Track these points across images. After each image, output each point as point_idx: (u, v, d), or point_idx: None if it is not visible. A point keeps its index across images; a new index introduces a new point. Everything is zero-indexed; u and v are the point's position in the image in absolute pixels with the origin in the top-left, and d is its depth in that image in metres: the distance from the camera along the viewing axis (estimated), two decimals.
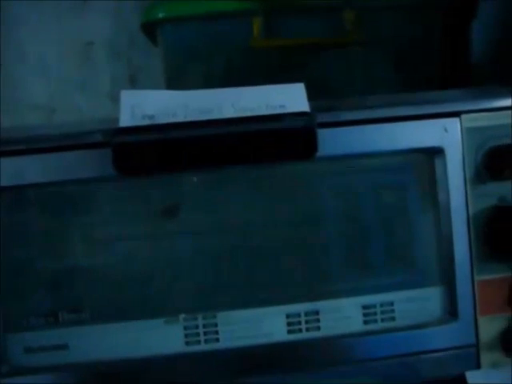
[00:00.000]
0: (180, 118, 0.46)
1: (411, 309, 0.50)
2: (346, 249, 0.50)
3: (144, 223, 0.49)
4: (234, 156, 0.45)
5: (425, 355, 0.50)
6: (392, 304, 0.50)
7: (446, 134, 0.49)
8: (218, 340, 0.49)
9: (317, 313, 0.49)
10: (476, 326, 0.50)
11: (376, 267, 0.50)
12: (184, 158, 0.45)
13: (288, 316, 0.49)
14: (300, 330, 0.49)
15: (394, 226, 0.50)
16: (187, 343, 0.48)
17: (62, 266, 0.48)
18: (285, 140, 0.45)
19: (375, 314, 0.50)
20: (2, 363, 0.46)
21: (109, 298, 0.48)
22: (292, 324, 0.49)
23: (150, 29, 0.88)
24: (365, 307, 0.50)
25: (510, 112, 0.50)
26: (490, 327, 0.50)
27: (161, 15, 0.78)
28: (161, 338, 0.48)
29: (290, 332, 0.49)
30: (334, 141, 0.48)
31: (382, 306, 0.50)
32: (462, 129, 0.49)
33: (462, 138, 0.49)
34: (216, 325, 0.48)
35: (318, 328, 0.49)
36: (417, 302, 0.50)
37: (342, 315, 0.49)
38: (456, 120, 0.49)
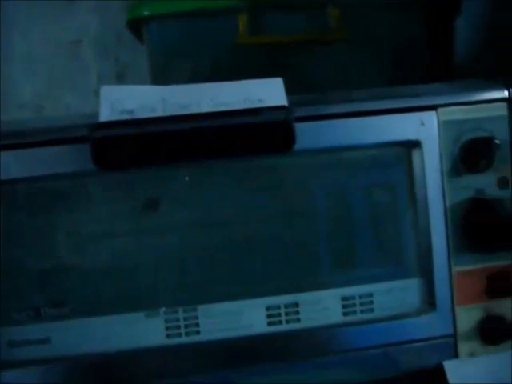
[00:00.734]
0: (159, 113, 0.47)
1: (390, 300, 0.51)
2: (326, 241, 0.50)
3: (125, 219, 0.49)
4: (211, 150, 0.45)
5: (404, 346, 0.50)
6: (371, 295, 0.50)
7: (422, 127, 0.49)
8: (198, 332, 0.49)
9: (296, 305, 0.50)
10: (454, 317, 0.51)
11: (355, 259, 0.51)
12: (163, 152, 0.45)
13: (268, 308, 0.49)
14: (280, 322, 0.50)
15: (373, 218, 0.51)
16: (168, 336, 0.49)
17: (44, 261, 0.48)
18: (262, 133, 0.45)
19: (354, 305, 0.50)
20: None
21: (90, 293, 0.48)
22: (272, 316, 0.50)
23: (136, 26, 0.88)
24: (344, 299, 0.50)
25: (485, 105, 0.51)
26: (467, 317, 0.51)
27: (146, 13, 0.78)
28: (142, 331, 0.48)
29: (270, 324, 0.50)
30: (312, 134, 0.48)
31: (361, 297, 0.50)
32: (438, 122, 0.50)
33: (439, 131, 0.50)
34: (196, 317, 0.49)
35: (298, 320, 0.50)
36: (395, 294, 0.51)
37: (322, 307, 0.50)
38: (433, 113, 0.50)
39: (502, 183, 0.51)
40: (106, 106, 0.47)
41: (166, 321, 0.49)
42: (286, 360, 0.50)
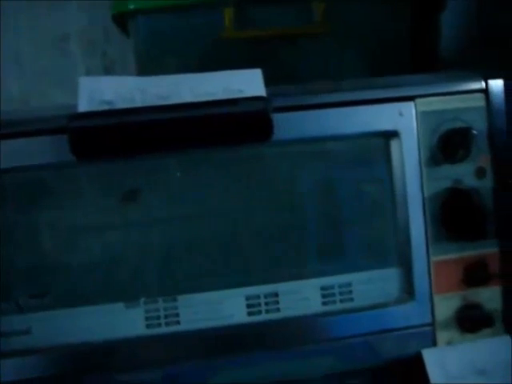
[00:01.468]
0: (138, 104, 0.47)
1: (369, 289, 0.51)
2: (305, 232, 0.51)
3: (105, 210, 0.49)
4: (190, 139, 0.46)
5: (383, 334, 0.51)
6: (350, 285, 0.51)
7: (401, 117, 0.50)
8: (178, 323, 0.49)
9: (276, 295, 0.50)
10: (432, 305, 0.51)
11: (334, 249, 0.51)
12: (140, 142, 0.45)
13: (248, 298, 0.50)
14: (260, 312, 0.50)
15: (352, 208, 0.51)
16: (148, 326, 0.49)
17: (24, 253, 0.48)
18: (240, 123, 0.45)
19: (334, 295, 0.51)
20: None
21: (70, 284, 0.49)
22: (252, 306, 0.50)
23: (122, 20, 0.88)
24: (323, 288, 0.50)
25: (463, 96, 0.51)
26: (445, 306, 0.51)
27: (131, 6, 0.78)
28: (122, 321, 0.49)
29: (250, 314, 0.50)
30: (290, 125, 0.48)
31: (340, 287, 0.51)
32: (416, 112, 0.50)
33: (417, 121, 0.50)
34: (176, 307, 0.49)
35: (278, 310, 0.50)
36: (374, 283, 0.51)
37: (301, 296, 0.50)
38: (411, 104, 0.50)
39: (480, 173, 0.51)
40: (85, 96, 0.47)
41: (146, 311, 0.49)
42: (266, 350, 0.50)
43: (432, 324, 0.51)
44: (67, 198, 0.49)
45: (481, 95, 0.51)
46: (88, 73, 1.04)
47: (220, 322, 0.50)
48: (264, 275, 0.50)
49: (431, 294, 0.51)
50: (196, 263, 0.50)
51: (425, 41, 0.92)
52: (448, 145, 0.50)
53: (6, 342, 0.48)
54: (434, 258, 0.51)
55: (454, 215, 0.50)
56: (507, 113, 0.52)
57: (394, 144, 0.50)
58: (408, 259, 0.51)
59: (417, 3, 0.86)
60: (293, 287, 0.50)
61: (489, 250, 0.51)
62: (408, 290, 0.51)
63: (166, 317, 0.49)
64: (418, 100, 0.50)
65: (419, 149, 0.50)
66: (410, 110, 0.50)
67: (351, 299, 0.51)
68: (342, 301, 0.51)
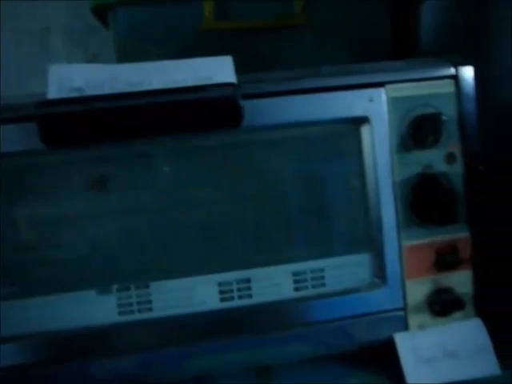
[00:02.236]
0: (108, 91, 0.47)
1: (341, 275, 0.51)
2: (276, 218, 0.51)
3: (75, 198, 0.49)
4: (158, 126, 0.46)
5: (355, 319, 0.51)
6: (322, 270, 0.51)
7: (371, 103, 0.50)
8: (151, 309, 0.49)
9: (248, 281, 0.50)
10: (404, 290, 0.51)
11: (305, 235, 0.51)
12: (109, 128, 0.45)
13: (220, 284, 0.50)
14: (232, 298, 0.50)
15: (323, 194, 0.51)
16: (121, 313, 0.49)
17: None
18: (209, 109, 0.46)
19: (306, 280, 0.51)
20: None
21: (41, 272, 0.48)
22: (224, 292, 0.50)
23: (101, 12, 0.87)
24: (295, 274, 0.51)
25: (433, 82, 0.51)
26: (417, 290, 0.52)
27: None
28: (94, 308, 0.49)
29: (222, 300, 0.50)
30: (261, 111, 0.49)
31: (312, 272, 0.51)
32: (387, 98, 0.50)
33: (388, 107, 0.50)
34: (149, 294, 0.49)
35: (250, 296, 0.50)
36: (346, 268, 0.51)
37: (273, 282, 0.50)
38: (381, 90, 0.50)
39: (450, 159, 0.52)
40: (55, 84, 0.47)
41: (119, 298, 0.49)
42: (239, 336, 0.50)
43: (404, 308, 0.52)
44: (38, 187, 0.49)
45: (451, 81, 0.52)
46: None
47: (193, 308, 0.50)
48: (236, 261, 0.50)
49: (403, 279, 0.51)
50: (168, 250, 0.50)
51: (405, 32, 0.92)
52: (418, 130, 0.50)
53: None
54: (405, 243, 0.51)
55: (424, 200, 0.51)
56: (477, 99, 0.52)
57: (364, 130, 0.51)
58: (379, 244, 0.51)
59: None
60: (265, 273, 0.50)
61: (459, 234, 0.52)
62: (380, 275, 0.51)
63: (138, 304, 0.49)
64: (389, 86, 0.51)
65: (390, 135, 0.51)
66: (380, 96, 0.50)
67: (323, 284, 0.51)
68: (314, 286, 0.51)
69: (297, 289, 0.51)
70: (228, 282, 0.50)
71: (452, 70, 0.52)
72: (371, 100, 0.50)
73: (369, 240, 0.51)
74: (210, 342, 0.50)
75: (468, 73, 0.52)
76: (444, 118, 0.50)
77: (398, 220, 0.51)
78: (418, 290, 0.52)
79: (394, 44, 0.94)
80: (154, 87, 0.47)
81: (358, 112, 0.50)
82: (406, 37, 0.92)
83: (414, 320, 0.52)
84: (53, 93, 0.46)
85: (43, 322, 0.48)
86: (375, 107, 0.50)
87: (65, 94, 0.46)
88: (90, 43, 1.07)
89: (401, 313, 0.52)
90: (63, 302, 0.49)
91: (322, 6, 0.84)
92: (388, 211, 0.51)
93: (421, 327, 0.52)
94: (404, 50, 0.91)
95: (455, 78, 0.52)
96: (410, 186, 0.51)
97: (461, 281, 0.52)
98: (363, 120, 0.50)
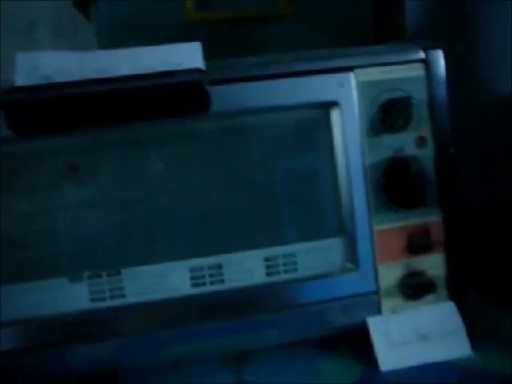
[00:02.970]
0: (77, 78, 0.47)
1: (313, 259, 0.52)
2: (247, 203, 0.51)
3: (46, 187, 0.49)
4: (126, 111, 0.46)
5: (328, 304, 0.51)
6: (294, 255, 0.51)
7: (340, 88, 0.50)
8: (123, 296, 0.50)
9: (220, 266, 0.50)
10: (376, 274, 0.52)
11: (277, 220, 0.52)
12: (77, 115, 0.45)
13: (192, 270, 0.50)
14: (204, 284, 0.50)
15: (294, 179, 0.51)
16: (92, 300, 0.49)
17: None
18: (175, 94, 0.46)
19: (278, 265, 0.51)
20: None
21: (12, 260, 0.49)
22: (196, 278, 0.50)
23: (83, 4, 0.88)
24: (267, 259, 0.51)
25: (403, 66, 0.51)
26: (389, 274, 0.52)
27: None
28: (66, 296, 0.49)
29: (194, 286, 0.50)
30: (230, 97, 0.49)
31: (284, 257, 0.51)
32: (356, 83, 0.50)
33: (357, 91, 0.50)
34: (121, 281, 0.49)
35: (222, 281, 0.50)
36: (318, 253, 0.52)
37: (245, 268, 0.51)
38: (350, 74, 0.50)
39: (421, 142, 0.52)
40: (23, 71, 0.47)
41: (90, 285, 0.49)
42: (212, 321, 0.50)
43: (376, 292, 0.52)
44: (10, 176, 0.49)
45: (421, 65, 0.52)
46: None
47: (165, 294, 0.50)
48: (208, 247, 0.50)
49: (375, 263, 0.52)
50: (140, 237, 0.50)
51: (388, 20, 0.92)
52: (388, 114, 0.50)
53: None
54: (376, 227, 0.51)
55: (395, 184, 0.51)
56: (447, 83, 0.52)
57: (334, 114, 0.51)
58: (351, 229, 0.51)
59: None
60: (237, 258, 0.51)
61: (431, 218, 0.52)
62: (352, 260, 0.52)
63: (110, 290, 0.49)
64: (358, 71, 0.51)
65: (360, 119, 0.51)
66: (349, 80, 0.50)
67: (295, 269, 0.51)
68: (286, 271, 0.51)
69: (269, 274, 0.51)
70: (200, 268, 0.50)
71: (421, 54, 0.52)
72: (341, 85, 0.50)
73: (340, 224, 0.52)
74: (184, 327, 0.50)
75: (438, 56, 0.52)
76: (413, 101, 0.50)
77: (369, 204, 0.51)
78: (391, 273, 0.52)
79: (377, 32, 0.94)
80: (123, 74, 0.47)
81: (327, 97, 0.50)
82: (390, 24, 0.92)
83: (386, 304, 0.52)
84: (20, 80, 0.46)
85: (16, 310, 0.48)
86: (345, 92, 0.50)
87: (33, 81, 0.46)
88: (76, 36, 1.07)
89: (373, 297, 0.52)
90: (36, 289, 0.49)
91: None
92: (359, 195, 0.51)
93: (394, 311, 0.52)
94: (387, 38, 0.91)
95: (425, 61, 0.52)
96: (381, 170, 0.51)
97: (433, 264, 0.52)
98: (333, 104, 0.50)
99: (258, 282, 0.51)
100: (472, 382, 0.48)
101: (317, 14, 0.90)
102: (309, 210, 0.52)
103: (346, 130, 0.51)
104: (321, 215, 0.52)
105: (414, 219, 0.52)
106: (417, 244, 0.52)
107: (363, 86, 0.51)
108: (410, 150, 0.51)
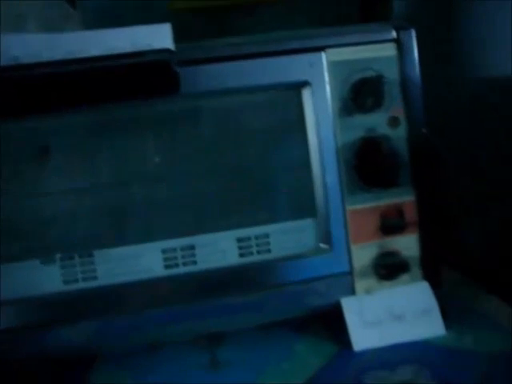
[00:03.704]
0: (45, 59, 0.47)
1: (286, 240, 0.51)
2: (220, 184, 0.51)
3: (17, 169, 0.49)
4: (95, 92, 0.46)
5: (302, 285, 0.51)
6: (267, 236, 0.51)
7: (311, 68, 0.50)
8: (95, 278, 0.50)
9: (192, 247, 0.50)
10: (349, 255, 0.52)
11: (249, 201, 0.51)
12: (44, 97, 0.45)
13: (164, 251, 0.50)
14: (177, 265, 0.50)
15: (267, 160, 0.51)
16: (65, 282, 0.49)
17: None
18: (144, 75, 0.46)
19: (250, 246, 0.51)
20: None
21: None
22: (168, 259, 0.50)
23: None
24: (239, 240, 0.51)
25: (374, 46, 0.51)
26: (363, 255, 0.52)
27: None
28: (38, 278, 0.49)
29: (166, 267, 0.50)
30: (199, 78, 0.49)
31: (257, 238, 0.51)
32: (327, 63, 0.50)
33: (328, 71, 0.50)
34: (93, 263, 0.49)
35: (195, 262, 0.50)
36: (291, 234, 0.52)
37: (218, 249, 0.51)
38: (321, 54, 0.50)
39: (393, 122, 0.52)
40: None
41: (62, 267, 0.49)
42: (185, 304, 0.50)
43: (350, 273, 0.52)
44: None
45: (392, 45, 0.52)
46: None
47: (137, 276, 0.50)
48: (180, 228, 0.50)
49: (348, 244, 0.52)
50: (112, 219, 0.50)
51: (376, 6, 0.92)
52: (359, 94, 0.50)
53: None
54: (349, 208, 0.51)
55: (367, 164, 0.51)
56: (420, 62, 0.52)
57: (305, 95, 0.51)
58: (324, 209, 0.51)
59: None
60: (209, 239, 0.51)
61: (404, 198, 0.52)
62: (325, 240, 0.52)
63: (82, 272, 0.49)
64: (329, 50, 0.50)
65: (332, 99, 0.51)
66: (320, 60, 0.50)
67: (268, 250, 0.51)
68: (259, 252, 0.51)
69: (242, 255, 0.51)
70: (172, 249, 0.50)
71: (393, 34, 0.52)
72: (311, 64, 0.50)
73: (313, 205, 0.51)
74: (157, 309, 0.50)
75: (410, 36, 0.52)
76: (385, 80, 0.50)
77: (342, 184, 0.51)
78: (364, 254, 0.52)
79: (365, 18, 0.94)
80: (93, 55, 0.47)
81: (298, 77, 0.50)
82: (378, 10, 0.91)
83: (360, 284, 0.52)
84: None
85: None
86: (315, 71, 0.50)
87: (0, 62, 0.46)
88: (66, 29, 1.06)
89: (347, 277, 0.52)
90: (8, 271, 0.49)
91: None
92: (331, 176, 0.51)
93: (368, 291, 0.52)
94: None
95: (397, 41, 0.51)
96: (353, 150, 0.51)
97: (407, 244, 0.52)
98: (304, 84, 0.50)
99: (231, 263, 0.51)
100: (446, 361, 0.48)
101: (305, 1, 0.90)
102: (281, 191, 0.52)
103: (318, 110, 0.50)
104: (294, 196, 0.52)
105: (387, 199, 0.52)
106: (390, 224, 0.52)
107: (335, 66, 0.51)
108: (383, 129, 0.51)
